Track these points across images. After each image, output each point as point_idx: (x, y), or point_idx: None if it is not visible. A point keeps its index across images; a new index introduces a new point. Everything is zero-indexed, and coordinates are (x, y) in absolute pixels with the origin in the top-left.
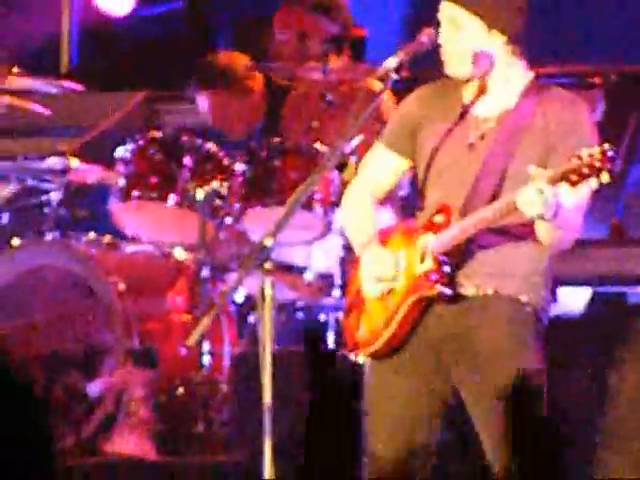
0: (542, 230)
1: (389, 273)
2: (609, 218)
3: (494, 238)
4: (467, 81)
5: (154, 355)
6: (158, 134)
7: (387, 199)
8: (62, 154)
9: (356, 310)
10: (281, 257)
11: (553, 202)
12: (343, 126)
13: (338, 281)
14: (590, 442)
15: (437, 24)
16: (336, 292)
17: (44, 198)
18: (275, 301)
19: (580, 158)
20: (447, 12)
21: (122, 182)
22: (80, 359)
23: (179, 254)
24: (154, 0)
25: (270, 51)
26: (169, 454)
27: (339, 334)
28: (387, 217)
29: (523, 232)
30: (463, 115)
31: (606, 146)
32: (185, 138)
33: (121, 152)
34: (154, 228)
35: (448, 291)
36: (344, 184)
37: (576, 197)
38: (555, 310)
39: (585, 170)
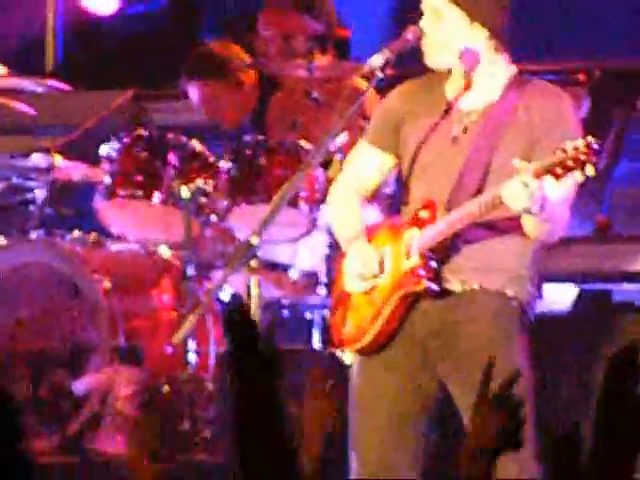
0: (529, 224)
1: (373, 269)
2: (595, 214)
3: (480, 232)
4: (449, 75)
5: (140, 353)
6: (143, 132)
7: (373, 197)
8: (47, 151)
9: (342, 307)
10: (266, 255)
11: (539, 195)
12: (328, 124)
13: (324, 279)
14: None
15: (420, 16)
16: (322, 290)
17: (29, 196)
18: (261, 299)
19: (565, 151)
20: (430, 3)
21: (107, 180)
22: (65, 357)
23: (164, 252)
24: None
25: (255, 48)
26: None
27: (325, 332)
28: (373, 215)
29: (509, 226)
30: (447, 110)
31: (590, 139)
32: (170, 136)
33: (106, 150)
34: (139, 226)
35: (434, 286)
36: (329, 181)
37: (562, 190)
38: (540, 307)
39: (570, 163)
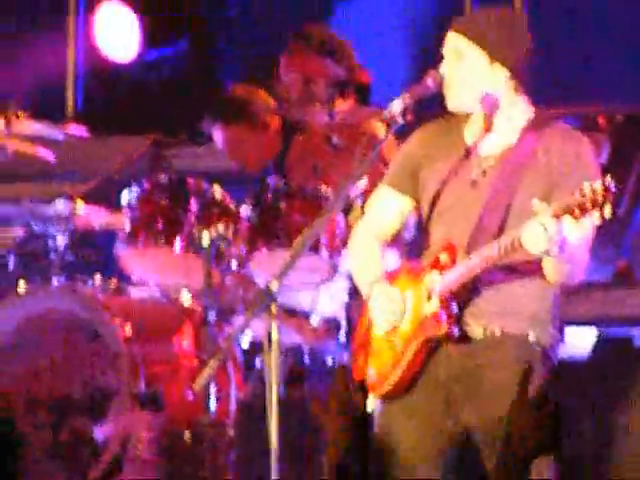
0: (549, 266)
1: (397, 308)
2: (616, 259)
3: (500, 276)
4: (468, 118)
5: (160, 398)
6: (164, 178)
7: (393, 241)
8: (68, 198)
9: (364, 352)
10: (287, 301)
11: (558, 237)
12: (348, 169)
13: (344, 324)
14: None
15: (441, 60)
16: (342, 336)
17: (50, 242)
18: (282, 345)
19: (583, 192)
20: (451, 43)
21: (128, 226)
22: (86, 403)
23: (185, 298)
24: (158, 43)
25: (276, 93)
26: None
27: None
28: (393, 260)
29: (529, 269)
30: (466, 154)
31: (609, 180)
32: (190, 182)
33: (127, 196)
34: (160, 272)
35: (456, 331)
36: (350, 227)
37: (581, 232)
38: (561, 351)
39: (588, 204)
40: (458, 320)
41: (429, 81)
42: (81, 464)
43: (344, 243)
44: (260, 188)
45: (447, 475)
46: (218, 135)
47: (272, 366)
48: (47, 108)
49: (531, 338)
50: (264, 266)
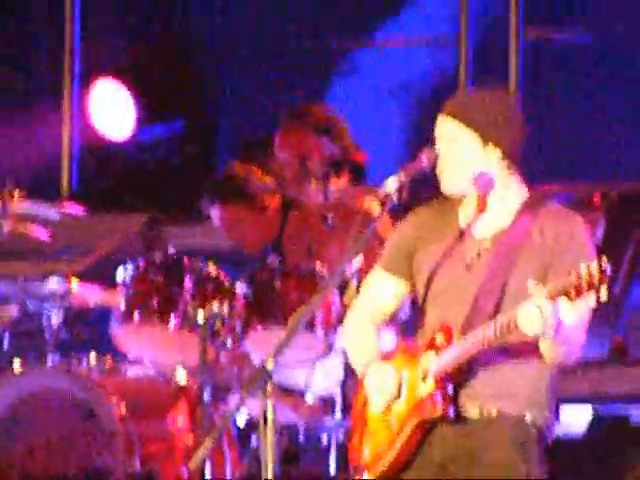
0: (544, 347)
1: (393, 387)
2: (611, 337)
3: (496, 357)
4: (462, 200)
5: (156, 477)
6: (159, 256)
7: (388, 321)
8: (63, 276)
9: (359, 431)
10: (282, 379)
11: (553, 319)
12: (343, 248)
13: (340, 402)
14: None
15: (435, 140)
16: (337, 414)
17: (45, 320)
18: (277, 423)
19: (579, 274)
20: (444, 126)
21: (123, 304)
22: None
23: (180, 376)
24: (153, 122)
25: (271, 170)
26: None
27: (340, 456)
28: (388, 339)
29: (525, 350)
30: (460, 236)
31: (604, 262)
32: (185, 260)
33: (122, 274)
34: (155, 350)
35: (451, 412)
36: (345, 305)
37: (576, 313)
38: (556, 430)
39: (584, 286)
40: (454, 401)
41: (424, 159)
42: None
43: (339, 321)
44: (255, 266)
45: None
46: (216, 215)
47: (267, 444)
48: (42, 187)
49: (527, 419)
50: (259, 344)
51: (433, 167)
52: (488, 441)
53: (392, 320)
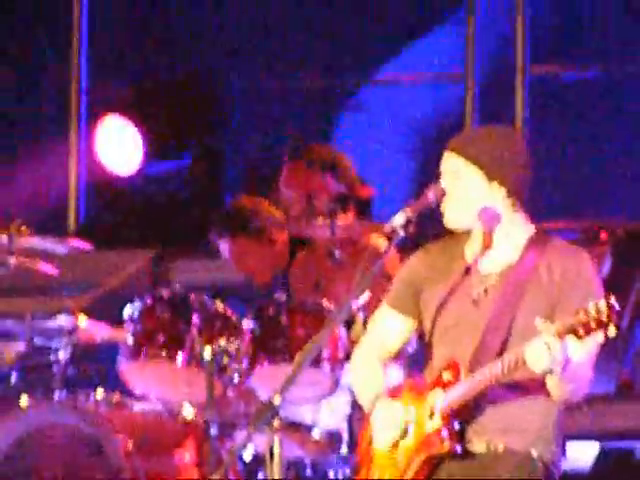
0: (552, 384)
1: (400, 423)
2: (618, 373)
3: (503, 393)
4: (469, 236)
5: None
6: (166, 292)
7: (395, 356)
8: (70, 312)
9: (366, 467)
10: (289, 414)
11: (561, 356)
12: (350, 283)
13: (346, 438)
14: None
15: (440, 176)
16: (344, 449)
17: (52, 357)
18: (283, 459)
19: (587, 312)
20: (449, 163)
21: (130, 340)
22: None
23: (187, 412)
24: (160, 158)
25: (278, 205)
26: None
27: None
28: (395, 374)
29: (532, 387)
30: (467, 272)
31: (612, 300)
32: (192, 296)
33: (129, 310)
34: (163, 386)
35: (458, 449)
36: (351, 341)
37: (584, 351)
38: (563, 465)
39: (592, 324)
40: (461, 437)
41: (430, 195)
42: None
43: (346, 357)
44: (262, 302)
45: None
46: (225, 247)
47: None
48: (49, 222)
49: (534, 454)
50: (266, 380)
51: (439, 203)
52: (495, 477)
53: (399, 355)
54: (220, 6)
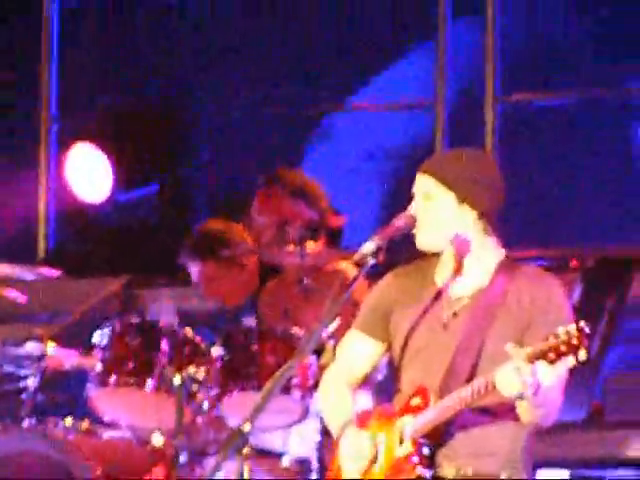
0: (522, 409)
1: (368, 454)
2: (587, 401)
3: (473, 418)
4: (438, 259)
5: None
6: (135, 319)
7: (364, 382)
8: (39, 339)
9: None
10: (259, 442)
11: (531, 381)
12: (319, 311)
13: (315, 465)
14: None
15: (411, 201)
16: (314, 476)
17: (21, 384)
18: None
19: (557, 336)
20: (420, 184)
21: (99, 367)
22: None
23: (157, 439)
24: (129, 185)
25: (250, 230)
26: None
27: None
28: (364, 400)
29: (502, 411)
30: (436, 296)
31: (582, 324)
32: (162, 323)
33: (98, 337)
34: (132, 413)
35: (428, 474)
36: (321, 368)
37: (554, 375)
38: None
39: (563, 348)
40: (431, 463)
41: (400, 222)
42: None
43: (316, 384)
44: (232, 329)
45: None
46: (194, 271)
47: None
48: (18, 250)
49: (503, 478)
50: (236, 407)
51: (409, 230)
52: None
53: (368, 381)
54: (189, 36)
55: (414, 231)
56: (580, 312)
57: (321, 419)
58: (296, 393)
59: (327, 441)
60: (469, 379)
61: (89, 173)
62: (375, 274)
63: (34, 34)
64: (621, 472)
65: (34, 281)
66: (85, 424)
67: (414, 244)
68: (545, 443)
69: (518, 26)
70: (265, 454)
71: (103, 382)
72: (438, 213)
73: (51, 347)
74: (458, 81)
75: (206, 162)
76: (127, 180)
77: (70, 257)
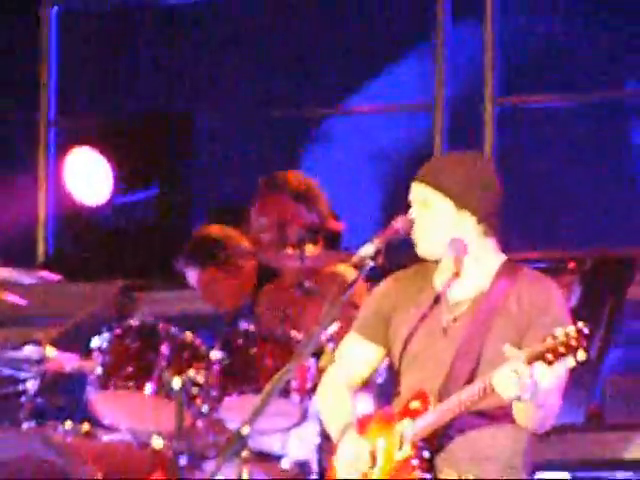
0: (520, 411)
1: (365, 461)
2: (587, 403)
3: (472, 421)
4: (438, 264)
5: None
6: (135, 323)
7: (364, 386)
8: (38, 343)
9: None
10: (258, 445)
11: (530, 383)
12: (318, 314)
13: (315, 468)
14: None
15: (410, 205)
16: (313, 478)
17: (20, 387)
18: None
19: (556, 337)
20: (417, 192)
21: (99, 371)
22: None
23: (156, 443)
24: (129, 189)
25: (248, 236)
26: None
27: None
28: (365, 404)
29: (501, 414)
30: (436, 300)
31: (581, 325)
32: (161, 326)
33: (97, 341)
34: (131, 417)
35: (428, 477)
36: (320, 371)
37: (553, 377)
38: None
39: (561, 349)
40: (430, 466)
41: (398, 225)
42: None
43: (315, 387)
44: (231, 332)
45: None
46: (191, 275)
47: None
48: (18, 254)
49: None
50: (235, 410)
51: (408, 233)
52: None
53: (368, 384)
54: (187, 38)
55: (413, 239)
56: (579, 314)
57: (320, 422)
58: (295, 396)
59: (326, 444)
60: (468, 383)
61: (88, 177)
62: (374, 277)
63: (33, 37)
64: (621, 474)
65: (33, 285)
66: (85, 427)
67: (414, 247)
68: (545, 446)
69: (517, 28)
70: (264, 457)
71: (103, 385)
72: (437, 220)
73: (51, 351)
74: (457, 83)
75: (204, 165)
76: (126, 183)
77: (69, 261)
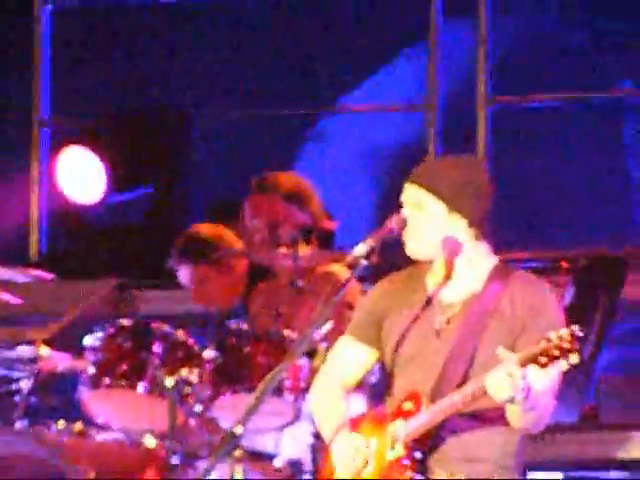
0: (513, 413)
1: (360, 458)
2: (580, 402)
3: (464, 422)
4: (430, 265)
5: None
6: (127, 322)
7: (357, 386)
8: (32, 342)
9: None
10: (251, 444)
11: (523, 385)
12: (312, 313)
13: (308, 467)
14: None
15: (401, 207)
16: (306, 478)
17: (14, 386)
18: None
19: (549, 340)
20: (410, 194)
21: (92, 370)
22: None
23: (149, 442)
24: (123, 187)
25: (240, 236)
26: None
27: None
28: (358, 403)
29: (494, 416)
30: (429, 302)
31: (574, 328)
32: (154, 325)
33: (90, 340)
34: (124, 415)
35: (419, 477)
36: (314, 371)
37: (546, 379)
38: None
39: (554, 352)
40: (422, 467)
41: (392, 224)
42: None
43: (308, 386)
44: (224, 331)
45: None
46: (183, 274)
47: None
48: (11, 252)
49: None
50: (228, 409)
51: (402, 232)
52: None
53: (361, 385)
54: (183, 38)
55: (403, 238)
56: (572, 314)
57: (313, 421)
58: (288, 395)
59: (320, 443)
60: (461, 384)
61: (81, 176)
62: (369, 277)
63: (25, 37)
64: (615, 474)
65: (27, 284)
66: (78, 426)
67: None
68: (538, 445)
69: (510, 27)
70: (257, 456)
71: (96, 384)
72: (429, 222)
73: (44, 350)
74: (450, 82)
75: (199, 164)
76: (120, 182)
77: (63, 260)
